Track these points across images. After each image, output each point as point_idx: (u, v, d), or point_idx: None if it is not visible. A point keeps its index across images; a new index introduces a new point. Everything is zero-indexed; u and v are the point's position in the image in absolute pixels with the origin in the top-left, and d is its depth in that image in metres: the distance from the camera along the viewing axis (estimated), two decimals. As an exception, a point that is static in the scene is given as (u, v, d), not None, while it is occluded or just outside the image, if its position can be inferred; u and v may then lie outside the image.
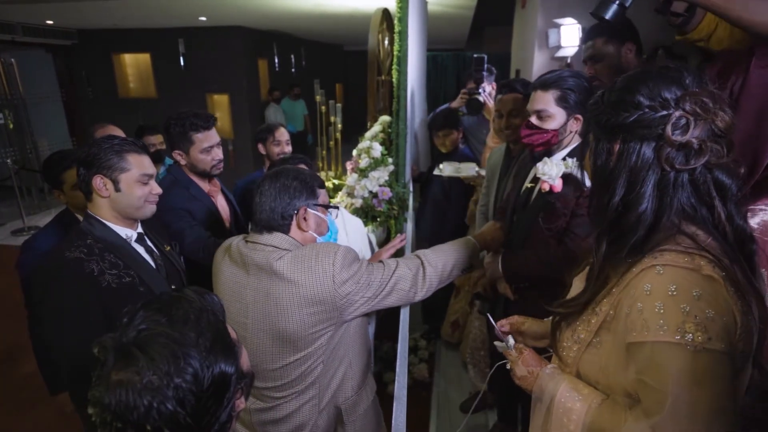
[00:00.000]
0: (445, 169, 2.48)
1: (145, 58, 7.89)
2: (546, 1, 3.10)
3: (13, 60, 6.74)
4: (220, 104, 7.81)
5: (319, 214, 1.31)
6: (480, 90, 2.81)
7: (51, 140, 7.72)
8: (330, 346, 1.28)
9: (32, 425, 2.70)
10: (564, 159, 1.51)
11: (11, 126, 6.82)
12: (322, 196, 1.33)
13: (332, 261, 1.20)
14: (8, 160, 6.20)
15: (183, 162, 1.89)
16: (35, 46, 7.14)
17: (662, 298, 0.75)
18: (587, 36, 1.78)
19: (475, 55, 2.94)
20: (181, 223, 1.77)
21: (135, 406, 0.63)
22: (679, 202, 0.81)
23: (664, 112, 0.79)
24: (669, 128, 0.78)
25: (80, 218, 1.77)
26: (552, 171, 1.48)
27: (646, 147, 0.80)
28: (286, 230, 1.27)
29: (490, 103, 2.77)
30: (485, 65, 2.90)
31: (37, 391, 2.96)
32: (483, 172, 2.43)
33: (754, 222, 1.11)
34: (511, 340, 1.11)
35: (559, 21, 2.94)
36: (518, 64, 4.24)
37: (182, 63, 7.53)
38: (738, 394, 0.77)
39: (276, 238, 1.25)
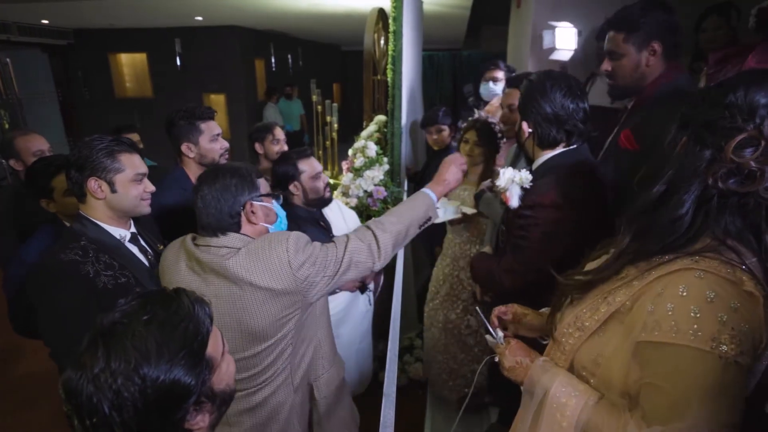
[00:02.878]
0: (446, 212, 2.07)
1: (141, 57, 7.87)
2: (540, 2, 3.11)
3: (8, 60, 6.72)
4: (217, 104, 7.80)
5: (265, 204, 1.31)
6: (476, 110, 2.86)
7: (47, 140, 7.68)
8: (297, 329, 1.31)
9: (29, 426, 2.70)
10: (528, 169, 1.44)
11: (7, 126, 6.79)
12: (263, 186, 1.33)
13: (285, 247, 1.21)
14: (3, 160, 6.18)
15: (191, 155, 1.89)
16: (31, 45, 7.11)
17: (699, 303, 0.71)
18: (607, 26, 1.57)
19: (464, 89, 2.98)
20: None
21: (79, 392, 0.64)
22: (725, 224, 0.75)
23: (738, 124, 0.72)
24: (732, 142, 0.71)
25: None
26: (501, 183, 1.43)
27: (705, 152, 0.74)
28: (236, 228, 1.27)
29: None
30: (471, 93, 2.95)
31: (32, 391, 2.96)
32: (468, 211, 2.13)
33: None
34: (500, 333, 1.10)
35: (555, 23, 2.94)
36: (513, 63, 4.25)
37: (179, 63, 7.52)
38: None
39: (228, 238, 1.24)
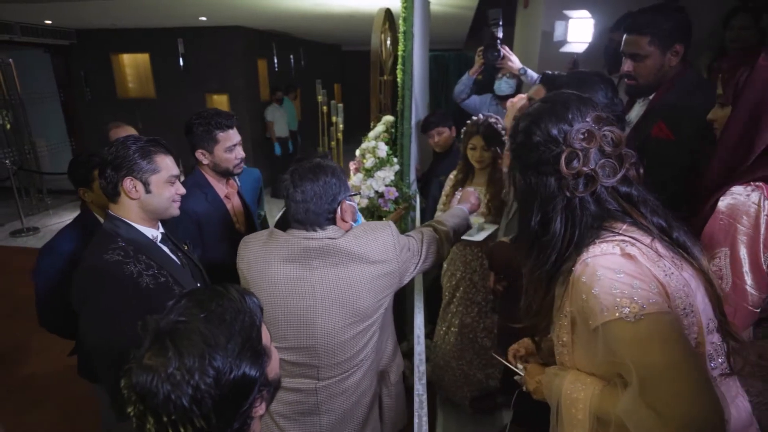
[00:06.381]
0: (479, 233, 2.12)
1: (144, 58, 7.85)
2: (550, 0, 3.09)
3: (11, 60, 6.70)
4: (220, 105, 7.77)
5: (352, 203, 1.40)
6: (499, 40, 2.62)
7: (49, 141, 7.68)
8: (384, 314, 1.42)
9: (36, 426, 2.69)
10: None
11: (9, 126, 6.78)
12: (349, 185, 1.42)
13: (390, 232, 1.35)
14: (6, 161, 6.17)
15: (206, 162, 1.88)
16: (33, 46, 7.09)
17: (596, 285, 0.84)
18: (629, 28, 1.62)
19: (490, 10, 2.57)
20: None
21: (155, 393, 0.66)
22: (591, 216, 0.91)
23: (557, 150, 0.90)
24: (562, 164, 0.89)
25: (101, 219, 1.77)
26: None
27: (550, 179, 0.93)
28: (333, 223, 1.35)
29: (511, 56, 2.63)
30: (500, 19, 2.57)
31: (37, 391, 2.95)
32: (489, 229, 2.14)
33: (723, 204, 1.16)
34: (520, 366, 1.20)
35: (569, 13, 2.84)
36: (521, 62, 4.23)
37: (181, 63, 7.50)
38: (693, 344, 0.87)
39: (328, 231, 1.33)
